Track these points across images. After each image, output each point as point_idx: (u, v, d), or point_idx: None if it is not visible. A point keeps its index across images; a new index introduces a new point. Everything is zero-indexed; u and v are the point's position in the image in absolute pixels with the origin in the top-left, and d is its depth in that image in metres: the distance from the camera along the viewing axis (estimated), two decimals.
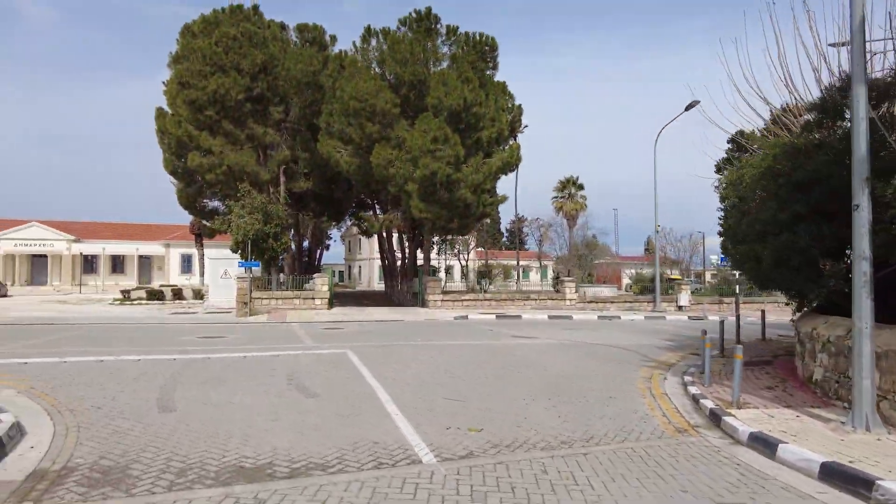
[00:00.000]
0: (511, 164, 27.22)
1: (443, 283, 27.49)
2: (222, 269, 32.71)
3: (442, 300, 26.51)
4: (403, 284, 36.14)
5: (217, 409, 7.75)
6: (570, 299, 28.49)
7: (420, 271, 28.11)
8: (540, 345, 14.77)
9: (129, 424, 6.89)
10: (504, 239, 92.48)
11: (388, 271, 47.46)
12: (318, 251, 60.67)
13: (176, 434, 6.48)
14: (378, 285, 69.85)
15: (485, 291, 31.87)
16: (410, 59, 23.65)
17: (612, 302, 29.41)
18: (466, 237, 68.65)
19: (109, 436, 6.40)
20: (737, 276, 29.82)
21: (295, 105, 28.41)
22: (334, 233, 72.43)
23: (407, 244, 48.22)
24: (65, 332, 16.70)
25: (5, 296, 44.10)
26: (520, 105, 33.73)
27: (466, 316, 24.11)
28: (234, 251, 24.80)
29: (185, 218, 52.88)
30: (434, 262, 53.97)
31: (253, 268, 22.88)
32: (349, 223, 73.10)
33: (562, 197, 62.73)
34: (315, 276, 24.95)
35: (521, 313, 25.79)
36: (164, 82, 38.60)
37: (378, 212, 41.92)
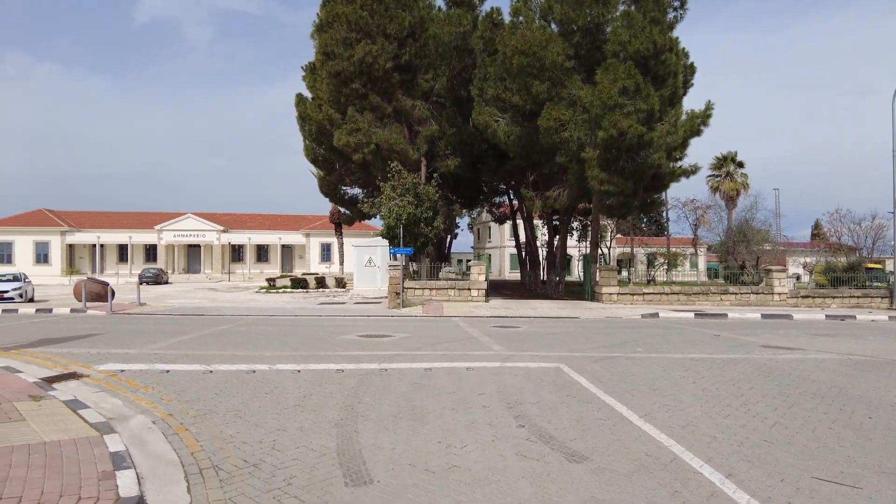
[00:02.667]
0: (702, 126, 22.06)
1: (620, 273, 23.07)
2: (366, 256, 31.01)
3: (618, 293, 22.17)
4: (551, 274, 32.23)
5: (438, 480, 4.52)
6: (780, 293, 22.75)
7: (587, 259, 23.93)
8: (824, 362, 10.17)
9: None
10: (642, 224, 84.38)
11: (526, 260, 43.82)
12: (448, 239, 58.39)
13: None
14: (510, 275, 66.38)
15: (650, 282, 27.02)
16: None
17: (830, 297, 23.21)
18: (607, 222, 62.92)
19: None
20: None
21: (442, 75, 25.48)
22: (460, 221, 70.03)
23: (546, 229, 44.13)
24: (214, 326, 14.95)
25: (167, 283, 46.81)
26: (692, 64, 28.08)
27: (657, 314, 19.63)
28: (385, 237, 22.43)
29: (324, 208, 53.11)
30: (569, 251, 49.41)
31: (406, 255, 20.24)
32: (476, 210, 70.55)
33: (718, 176, 54.72)
34: (471, 264, 21.83)
35: (724, 311, 20.74)
36: (303, 67, 37.89)
37: (522, 190, 38.31)
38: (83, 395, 7.28)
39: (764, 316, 19.70)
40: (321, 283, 37.96)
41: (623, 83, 17.76)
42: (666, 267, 40.89)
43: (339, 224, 50.20)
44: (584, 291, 24.85)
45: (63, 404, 6.82)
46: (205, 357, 9.82)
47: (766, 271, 23.71)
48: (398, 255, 21.12)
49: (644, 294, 22.45)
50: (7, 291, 23.77)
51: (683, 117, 21.62)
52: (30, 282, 26.39)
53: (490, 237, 75.74)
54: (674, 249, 59.17)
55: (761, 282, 24.16)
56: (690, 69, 27.73)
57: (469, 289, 21.24)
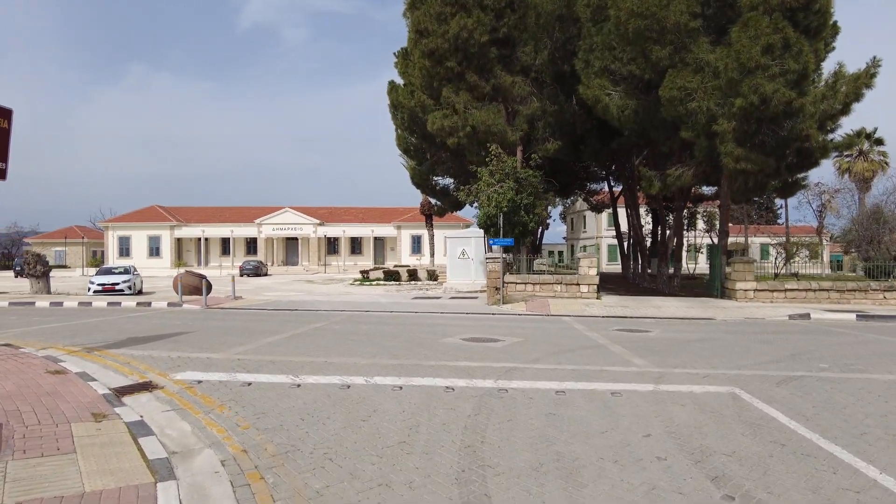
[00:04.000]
0: (865, 89, 18.27)
1: (756, 264, 19.80)
2: (459, 248, 29.51)
3: (755, 290, 18.97)
4: (662, 267, 29.06)
5: None
6: None
7: (717, 250, 20.78)
8: None
9: None
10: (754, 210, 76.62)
11: (629, 251, 40.47)
12: (540, 230, 55.75)
13: None
14: (607, 267, 62.48)
15: (777, 276, 23.25)
16: None
17: None
18: (711, 209, 57.28)
19: None
20: None
21: (543, 48, 23.18)
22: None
23: (649, 218, 40.32)
24: (307, 324, 13.86)
25: (266, 275, 48.02)
26: (835, 23, 23.73)
27: (807, 314, 16.40)
28: (482, 226, 20.66)
29: (414, 200, 52.35)
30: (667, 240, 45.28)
31: (507, 246, 18.34)
32: (570, 199, 66.91)
33: (848, 156, 47.75)
34: (580, 256, 19.52)
35: (890, 312, 17.05)
36: (395, 54, 36.96)
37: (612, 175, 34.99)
38: (151, 415, 6.09)
39: None
40: (413, 275, 36.98)
41: (767, 39, 14.69)
42: (784, 259, 35.78)
43: (429, 216, 49.30)
44: (711, 287, 21.73)
45: (125, 428, 5.62)
46: (293, 365, 8.50)
47: None
48: (497, 247, 19.28)
49: (786, 290, 19.07)
50: (118, 284, 24.49)
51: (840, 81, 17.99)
52: (138, 274, 27.23)
53: (585, 227, 71.98)
54: (793, 239, 52.69)
55: None
56: (833, 29, 23.56)
57: (578, 284, 18.96)
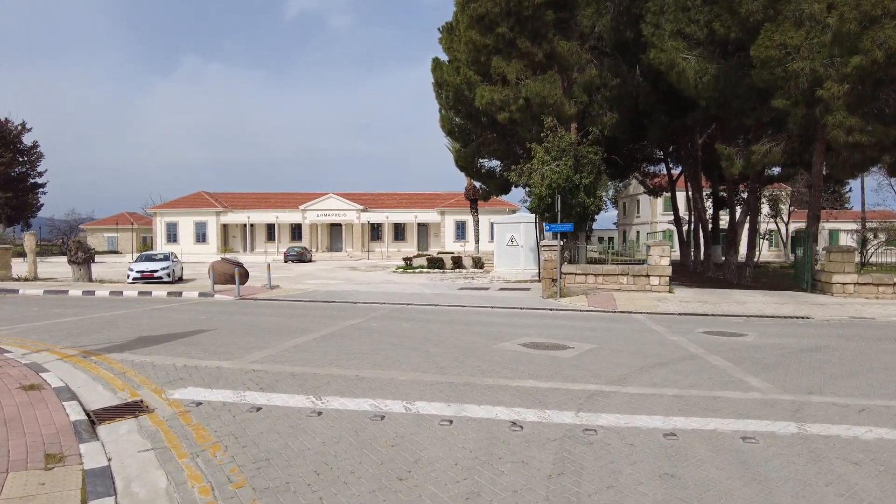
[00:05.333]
0: None
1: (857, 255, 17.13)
2: (507, 235, 27.56)
3: (856, 283, 16.32)
4: (731, 255, 26.39)
5: None
6: None
7: (807, 237, 18.09)
8: None
9: None
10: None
11: (691, 238, 37.57)
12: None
13: None
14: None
15: (865, 265, 20.35)
16: None
17: None
18: (779, 192, 53.00)
19: None
20: None
21: (605, 11, 20.78)
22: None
23: (708, 202, 37.16)
24: (342, 321, 12.33)
25: (310, 261, 47.31)
26: None
27: None
28: (535, 210, 18.67)
29: (458, 185, 50.54)
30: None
31: (566, 232, 16.33)
32: (624, 181, 63.41)
33: None
34: (650, 244, 17.26)
35: None
36: (439, 29, 34.96)
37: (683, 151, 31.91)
38: (122, 458, 4.58)
39: None
40: (457, 263, 35.29)
41: None
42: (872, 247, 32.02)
43: (474, 200, 47.41)
44: (799, 279, 19.11)
45: (79, 482, 4.12)
46: (317, 380, 6.89)
47: None
48: (552, 233, 17.30)
49: (894, 284, 16.33)
50: (157, 271, 23.78)
51: None
52: (178, 261, 26.53)
53: (639, 212, 68.44)
54: (870, 224, 47.92)
55: None
56: None
57: (647, 275, 16.75)
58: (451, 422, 5.36)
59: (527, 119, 19.60)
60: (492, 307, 14.93)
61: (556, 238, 16.20)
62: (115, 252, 58.81)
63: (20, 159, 66.17)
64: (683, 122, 22.12)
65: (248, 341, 9.40)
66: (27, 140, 66.90)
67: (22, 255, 27.47)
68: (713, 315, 13.75)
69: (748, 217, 26.23)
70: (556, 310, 14.49)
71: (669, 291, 16.78)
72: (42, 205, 69.05)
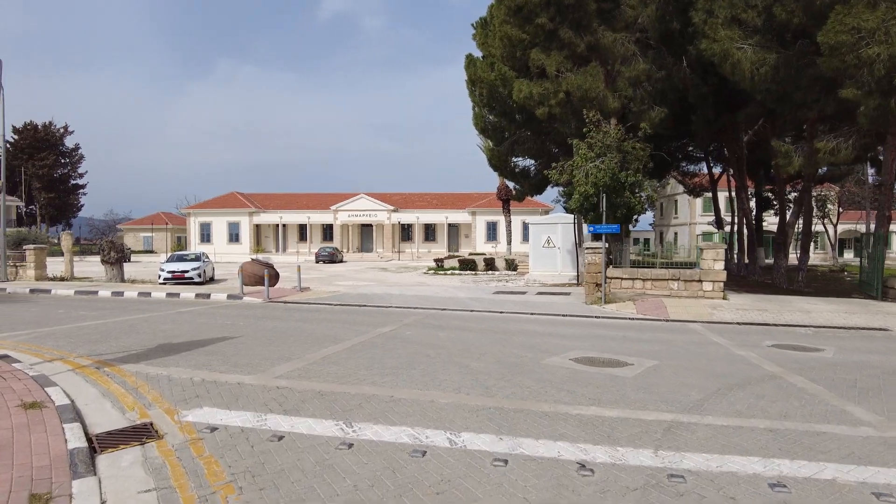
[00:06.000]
0: None
1: None
2: (543, 236, 26.49)
3: None
4: (780, 259, 24.82)
5: None
6: None
7: (878, 240, 16.56)
8: None
9: None
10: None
11: (735, 240, 35.91)
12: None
13: None
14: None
15: None
16: None
17: None
18: (827, 193, 50.44)
19: None
20: None
21: (650, 2, 19.60)
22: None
23: (753, 201, 35.34)
24: (374, 328, 11.57)
25: (341, 262, 47.00)
26: None
27: None
28: (577, 210, 17.63)
29: (489, 185, 49.60)
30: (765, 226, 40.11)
31: (613, 233, 15.27)
32: (662, 181, 61.38)
33: None
34: (703, 247, 16.04)
35: None
36: (473, 25, 34.17)
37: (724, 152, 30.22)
38: (119, 501, 3.86)
39: None
40: (490, 265, 34.36)
41: None
42: None
43: (506, 201, 46.42)
44: (865, 285, 17.62)
45: None
46: (347, 400, 6.10)
47: None
48: (594, 235, 16.26)
49: None
50: (187, 271, 23.52)
51: None
52: (209, 261, 26.32)
53: (676, 212, 66.33)
54: None
55: None
56: None
57: (699, 280, 15.54)
58: (505, 462, 4.49)
59: (567, 114, 18.57)
60: (532, 314, 13.99)
61: (602, 240, 15.14)
62: (151, 252, 59.71)
63: (62, 161, 67.96)
64: (734, 117, 20.77)
65: (274, 351, 8.70)
66: (69, 142, 68.74)
67: (61, 254, 27.74)
68: (776, 325, 12.54)
69: (799, 218, 24.64)
70: (603, 317, 13.47)
71: (724, 298, 15.55)
72: (83, 205, 70.90)
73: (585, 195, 16.54)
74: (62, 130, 68.05)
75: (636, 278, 15.99)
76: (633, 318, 13.34)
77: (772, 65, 15.46)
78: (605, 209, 15.19)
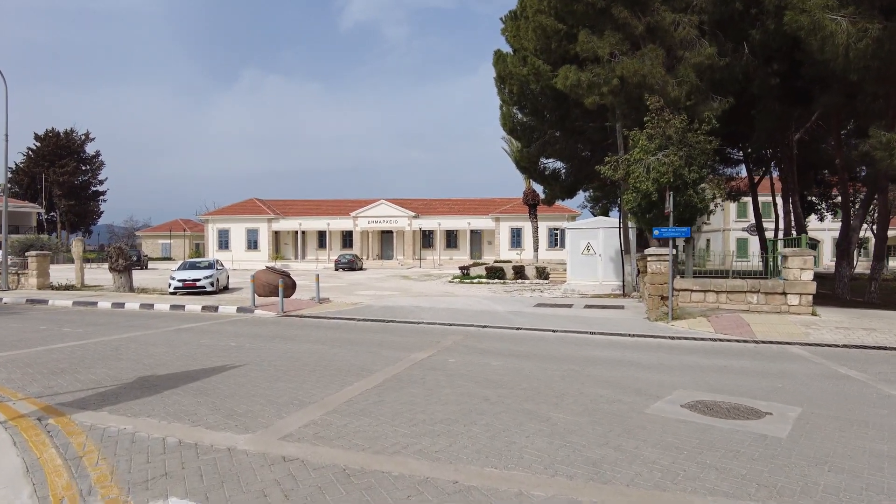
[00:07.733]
0: None
1: None
2: (583, 242, 24.24)
3: None
4: (843, 267, 22.47)
5: None
6: None
7: None
8: None
9: None
10: None
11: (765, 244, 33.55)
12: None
13: None
14: (737, 263, 54.04)
15: None
16: None
17: None
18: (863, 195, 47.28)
19: None
20: None
21: None
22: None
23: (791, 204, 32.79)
24: (409, 352, 9.49)
25: (361, 269, 45.15)
26: None
27: None
28: (636, 210, 15.40)
29: (514, 191, 47.50)
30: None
31: (683, 238, 13.01)
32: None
33: None
34: (786, 254, 13.68)
35: None
36: (501, 18, 32.10)
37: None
38: None
39: None
40: (519, 272, 32.10)
41: None
42: None
43: (533, 206, 44.24)
44: None
45: None
46: (388, 488, 3.99)
47: None
48: (658, 240, 14.00)
49: None
50: (199, 280, 21.76)
51: None
52: (223, 269, 24.57)
53: (708, 218, 63.21)
54: None
55: None
56: None
57: (783, 293, 13.20)
58: None
59: (621, 101, 16.39)
60: (590, 332, 11.80)
61: (670, 245, 12.89)
62: (168, 259, 58.61)
63: (83, 168, 67.40)
64: (809, 108, 18.36)
65: (283, 389, 6.66)
66: (90, 149, 68.22)
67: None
68: (890, 348, 10.19)
69: (874, 224, 22.16)
70: (679, 338, 11.22)
71: (813, 314, 13.18)
72: (102, 212, 70.25)
73: (647, 193, 14.32)
74: (83, 137, 67.57)
75: (708, 290, 13.68)
76: (713, 339, 11.07)
77: (874, 37, 13.14)
78: (672, 209, 12.96)
